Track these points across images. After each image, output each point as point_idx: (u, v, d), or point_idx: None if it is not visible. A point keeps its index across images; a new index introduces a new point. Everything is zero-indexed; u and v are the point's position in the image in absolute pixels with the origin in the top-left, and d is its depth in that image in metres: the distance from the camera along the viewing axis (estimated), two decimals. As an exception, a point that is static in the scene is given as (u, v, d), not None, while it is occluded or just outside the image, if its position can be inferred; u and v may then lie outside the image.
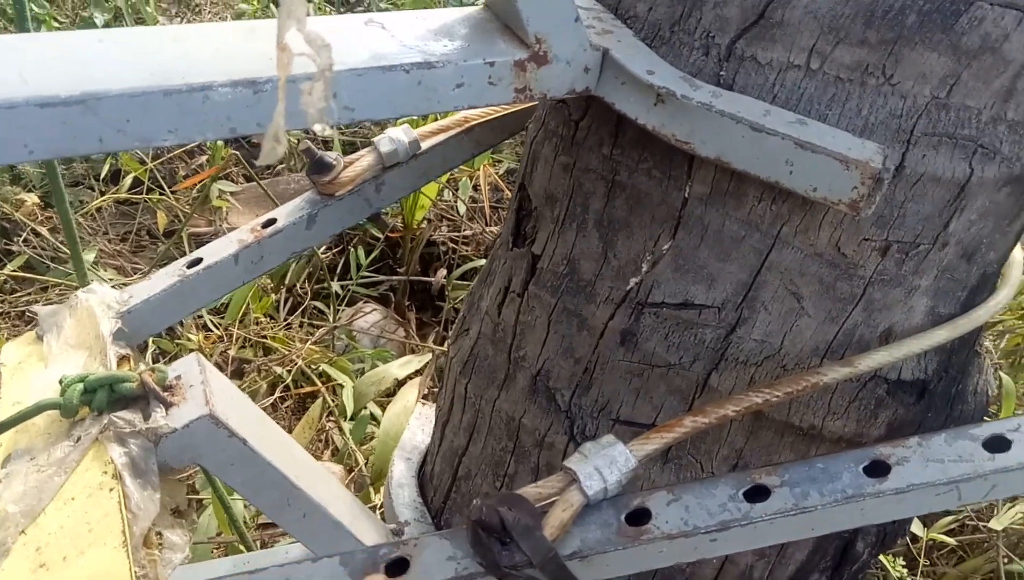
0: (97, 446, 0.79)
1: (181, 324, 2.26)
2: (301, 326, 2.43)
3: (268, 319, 2.39)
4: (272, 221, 1.05)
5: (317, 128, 0.44)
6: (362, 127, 2.93)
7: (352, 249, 2.57)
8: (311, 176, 1.04)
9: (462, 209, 2.68)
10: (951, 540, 1.81)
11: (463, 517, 1.08)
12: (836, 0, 0.71)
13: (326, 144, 2.88)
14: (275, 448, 0.88)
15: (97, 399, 0.81)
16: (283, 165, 2.86)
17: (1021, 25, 0.69)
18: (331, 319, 2.42)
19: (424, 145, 1.09)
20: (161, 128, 0.61)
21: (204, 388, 0.83)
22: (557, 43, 0.73)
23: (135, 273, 2.49)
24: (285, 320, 2.42)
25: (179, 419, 0.80)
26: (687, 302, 0.88)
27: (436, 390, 1.90)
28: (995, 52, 0.70)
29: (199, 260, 1.02)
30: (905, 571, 1.73)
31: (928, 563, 1.81)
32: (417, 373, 2.12)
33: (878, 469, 0.76)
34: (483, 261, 2.23)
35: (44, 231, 2.45)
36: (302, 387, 2.20)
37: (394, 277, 2.63)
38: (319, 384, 2.16)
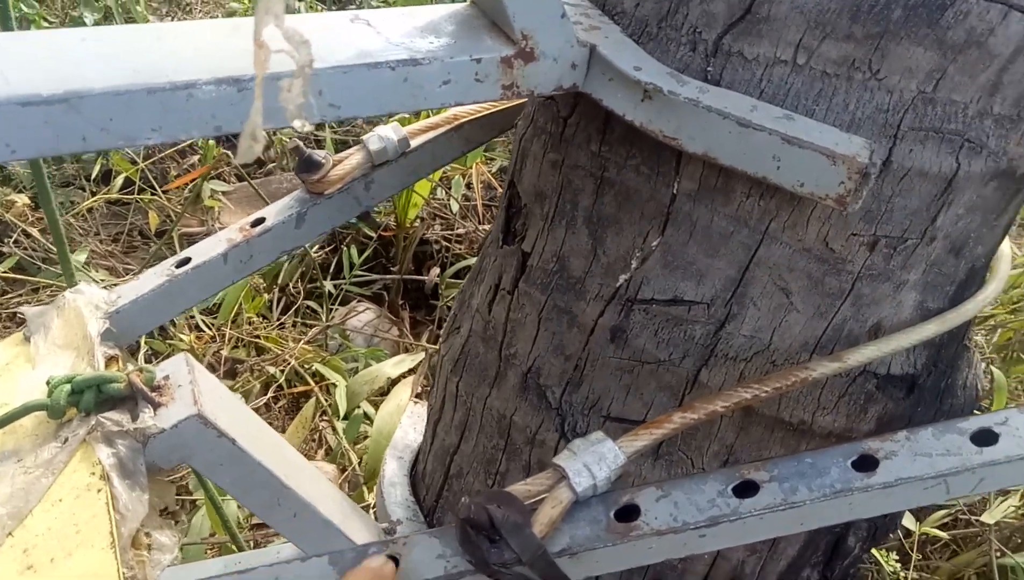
0: (85, 447, 0.79)
1: (174, 324, 2.26)
2: (294, 326, 2.42)
3: (261, 319, 2.39)
4: (261, 220, 1.04)
5: (296, 125, 0.44)
6: (354, 125, 2.93)
7: (345, 248, 2.57)
8: (300, 175, 1.04)
9: (455, 207, 2.67)
10: (944, 534, 1.82)
11: (455, 515, 1.08)
12: (822, -5, 0.71)
13: (318, 143, 2.87)
14: (265, 447, 0.88)
15: (84, 400, 0.80)
16: (274, 164, 2.85)
17: (1006, 19, 0.69)
18: (324, 318, 2.42)
19: (414, 143, 1.09)
20: (145, 126, 0.61)
21: (192, 388, 0.82)
22: (544, 39, 0.72)
23: (127, 274, 2.49)
24: (278, 320, 2.41)
25: (167, 419, 0.80)
26: (676, 298, 0.88)
27: (429, 388, 1.90)
28: (981, 46, 0.70)
29: (188, 260, 1.01)
30: (898, 565, 1.73)
31: (921, 557, 1.81)
32: (411, 372, 2.12)
33: (866, 463, 0.76)
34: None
35: (35, 232, 2.44)
36: (295, 387, 2.19)
37: (387, 276, 2.63)
38: (312, 384, 2.15)
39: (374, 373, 2.09)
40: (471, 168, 2.59)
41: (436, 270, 2.62)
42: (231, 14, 3.28)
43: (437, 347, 2.03)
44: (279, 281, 2.50)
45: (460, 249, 2.65)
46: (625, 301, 0.90)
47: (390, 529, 1.15)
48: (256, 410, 2.12)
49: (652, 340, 0.90)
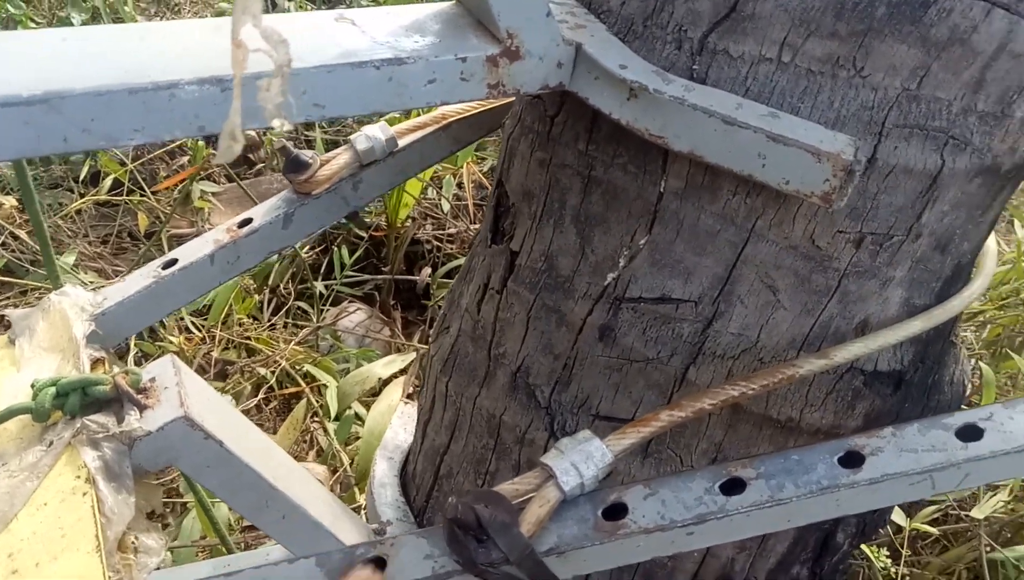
0: (70, 450, 0.78)
1: (163, 326, 2.25)
2: (285, 327, 2.41)
3: (251, 320, 2.38)
4: (248, 221, 1.04)
5: (275, 125, 0.44)
6: (344, 125, 2.92)
7: (336, 248, 2.56)
8: (287, 175, 1.04)
9: (446, 207, 2.67)
10: (934, 530, 1.82)
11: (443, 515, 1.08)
12: (806, -8, 0.71)
13: (308, 143, 2.87)
14: (253, 449, 0.87)
15: (70, 403, 0.80)
16: (264, 164, 2.85)
17: (989, 16, 0.69)
18: (315, 319, 2.41)
19: (402, 142, 1.09)
20: (127, 127, 0.60)
21: (179, 390, 0.82)
22: (529, 38, 0.72)
23: (116, 276, 2.48)
24: (269, 321, 2.40)
25: (153, 422, 0.80)
26: (664, 297, 0.88)
27: (420, 389, 1.90)
28: (964, 43, 0.70)
29: (174, 261, 1.01)
30: (889, 561, 1.73)
31: (911, 553, 1.82)
32: (402, 372, 2.11)
33: (852, 460, 0.77)
34: (466, 259, 2.22)
35: (23, 234, 2.43)
36: (286, 388, 2.19)
37: (379, 276, 2.62)
38: (303, 385, 2.15)
39: (365, 374, 2.09)
40: (462, 167, 2.58)
41: (427, 270, 2.62)
42: (220, 14, 3.27)
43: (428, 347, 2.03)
44: (269, 282, 2.49)
45: (451, 249, 2.65)
46: (613, 300, 0.90)
47: (380, 530, 1.15)
48: (247, 412, 2.11)
49: (640, 338, 0.90)
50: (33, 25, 2.92)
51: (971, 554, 1.77)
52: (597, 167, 0.86)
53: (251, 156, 2.81)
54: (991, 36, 0.70)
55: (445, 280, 2.55)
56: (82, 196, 2.66)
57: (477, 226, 2.59)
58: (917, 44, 0.71)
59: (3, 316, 2.20)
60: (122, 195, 2.62)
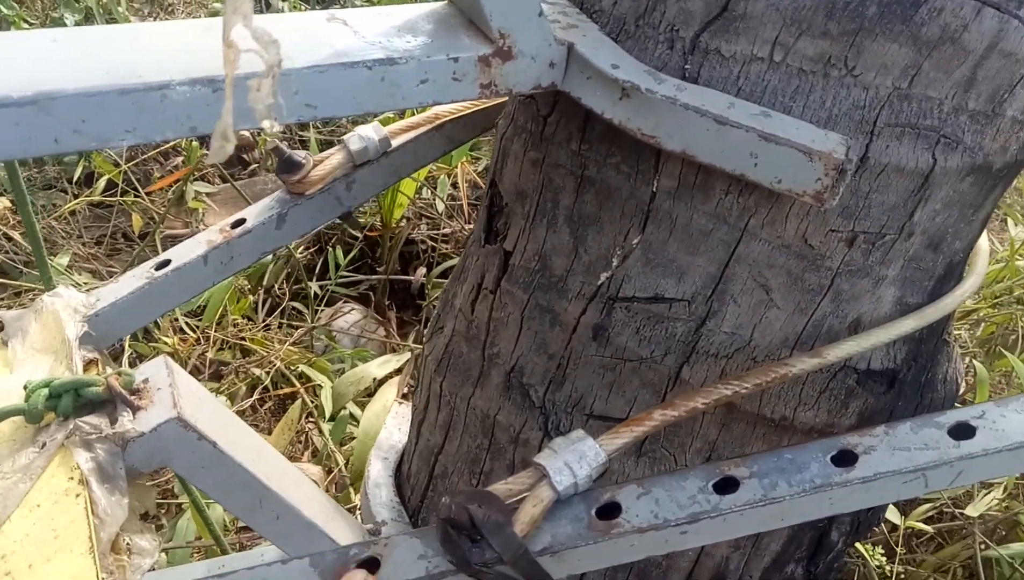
0: (63, 452, 0.78)
1: (158, 327, 2.25)
2: (280, 327, 2.41)
3: (246, 321, 2.38)
4: (241, 221, 1.04)
5: (266, 125, 0.44)
6: (339, 125, 2.92)
7: (330, 249, 2.56)
8: (280, 175, 1.03)
9: (441, 207, 2.67)
10: (928, 528, 1.82)
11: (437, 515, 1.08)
12: (797, -8, 0.71)
13: (303, 143, 2.86)
14: (246, 450, 0.87)
15: (62, 404, 0.79)
16: (258, 165, 2.84)
17: (979, 15, 0.69)
18: (310, 319, 2.41)
19: (395, 142, 1.09)
20: (118, 128, 0.60)
21: (172, 391, 0.82)
22: (521, 38, 0.72)
23: (110, 277, 2.47)
24: (263, 321, 2.40)
25: (147, 423, 0.79)
26: (657, 296, 0.88)
27: (415, 389, 1.90)
28: (955, 42, 0.70)
29: (167, 262, 1.01)
30: (884, 559, 1.73)
31: (906, 551, 1.82)
32: (397, 372, 2.11)
33: (845, 458, 0.77)
34: (461, 259, 2.22)
35: (16, 235, 2.42)
36: (281, 389, 2.19)
37: (373, 276, 2.62)
38: (298, 385, 2.15)
39: (360, 374, 2.09)
40: (456, 167, 2.58)
41: (422, 270, 2.62)
42: (214, 14, 3.27)
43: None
44: (264, 282, 2.49)
45: (446, 249, 2.65)
46: (607, 299, 0.90)
47: (375, 530, 1.15)
48: (242, 412, 2.11)
49: (634, 338, 0.91)
50: (26, 26, 2.92)
51: (966, 552, 1.77)
52: (590, 167, 0.86)
53: (245, 156, 2.81)
54: (982, 35, 0.70)
55: (440, 280, 2.55)
56: (76, 197, 2.66)
57: (472, 226, 2.59)
58: (908, 43, 0.71)
59: (-3, 318, 2.19)
60: (116, 196, 2.62)
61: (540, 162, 0.91)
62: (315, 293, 2.46)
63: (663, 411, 0.79)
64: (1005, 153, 0.80)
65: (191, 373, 1.97)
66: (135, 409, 0.80)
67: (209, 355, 2.23)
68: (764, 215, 0.80)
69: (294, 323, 2.43)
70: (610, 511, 0.76)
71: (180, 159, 2.83)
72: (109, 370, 0.85)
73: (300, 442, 2.09)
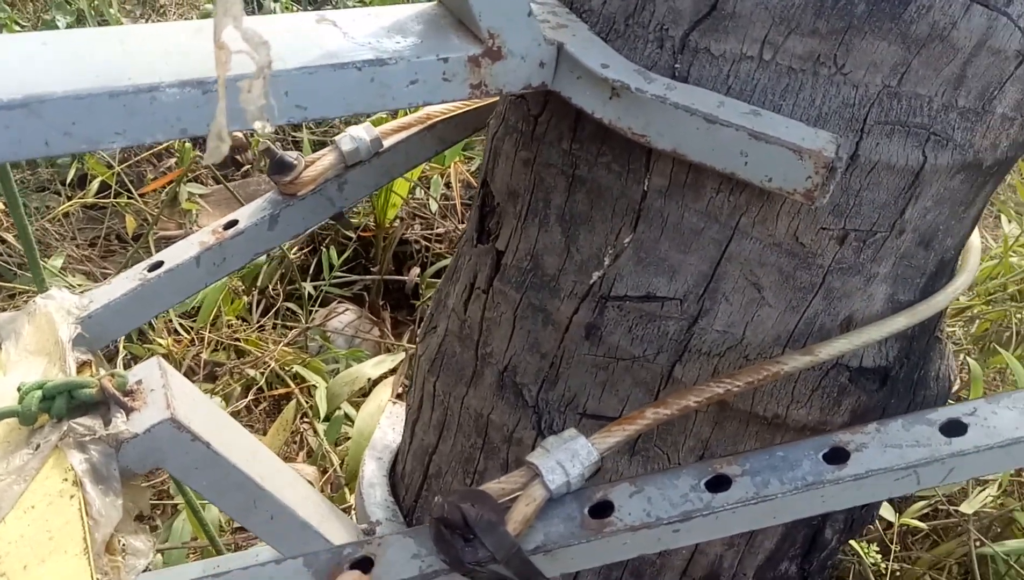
0: (57, 453, 0.78)
1: (152, 329, 2.24)
2: (274, 328, 2.41)
3: (240, 322, 2.38)
4: (234, 222, 1.04)
5: (257, 126, 0.44)
6: (332, 126, 2.92)
7: (324, 249, 2.56)
8: (272, 176, 1.04)
9: (434, 207, 2.67)
10: (923, 525, 1.83)
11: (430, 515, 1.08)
12: (786, -9, 0.71)
13: (296, 144, 2.86)
14: (240, 450, 0.87)
15: (56, 406, 0.80)
16: (251, 166, 2.84)
17: (968, 13, 0.69)
18: (304, 320, 2.41)
19: (387, 143, 1.09)
20: (108, 130, 0.60)
21: (165, 392, 0.82)
22: (511, 38, 0.73)
23: (104, 278, 2.47)
24: (258, 322, 2.40)
25: (140, 424, 0.80)
26: (649, 295, 0.88)
27: (409, 389, 1.90)
28: (944, 40, 0.71)
29: (160, 263, 1.01)
30: (879, 557, 1.74)
31: (901, 548, 1.82)
32: (391, 372, 2.11)
33: (837, 456, 0.77)
34: (455, 258, 2.22)
35: (10, 237, 2.42)
36: (276, 389, 2.19)
37: (368, 277, 2.62)
38: (293, 386, 2.15)
39: (354, 374, 2.09)
40: (450, 167, 2.58)
41: (416, 270, 2.62)
42: (205, 15, 3.26)
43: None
44: (258, 283, 2.48)
45: (440, 249, 2.65)
46: (599, 298, 0.90)
47: (369, 530, 1.15)
48: (236, 413, 2.11)
49: (626, 337, 0.91)
50: (18, 28, 2.91)
51: (961, 549, 1.77)
52: (581, 166, 0.86)
53: (238, 158, 2.81)
54: (970, 32, 0.71)
55: (434, 280, 2.55)
56: (69, 199, 2.65)
57: (465, 226, 2.59)
58: (897, 41, 0.71)
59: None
60: (109, 198, 2.61)
61: (531, 162, 0.91)
62: (309, 294, 2.46)
63: (655, 410, 0.79)
64: (995, 150, 0.81)
65: (186, 374, 1.97)
66: (128, 410, 0.80)
67: (204, 356, 2.23)
68: (755, 213, 0.81)
69: (288, 324, 2.43)
70: (603, 510, 0.76)
71: (173, 161, 2.83)
72: (102, 372, 0.85)
73: (295, 442, 2.09)
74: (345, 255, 2.57)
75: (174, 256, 1.01)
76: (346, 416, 2.05)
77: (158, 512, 1.93)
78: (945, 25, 0.70)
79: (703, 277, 0.85)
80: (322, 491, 1.87)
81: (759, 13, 0.72)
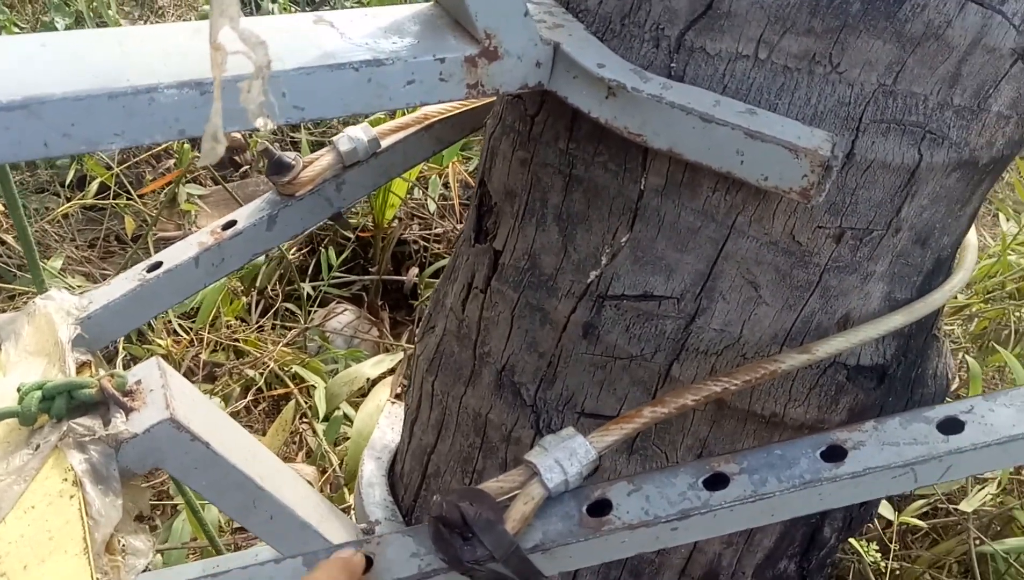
0: (57, 453, 0.79)
1: (152, 329, 2.25)
2: (273, 328, 2.41)
3: (239, 322, 2.38)
4: (232, 223, 1.04)
5: (259, 124, 0.44)
6: (330, 126, 2.92)
7: (323, 249, 2.56)
8: (270, 177, 1.04)
9: (432, 207, 2.67)
10: (923, 524, 1.83)
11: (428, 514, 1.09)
12: (782, -10, 0.72)
13: (294, 144, 2.86)
14: (239, 450, 0.88)
15: (56, 406, 0.80)
16: (249, 167, 2.84)
17: (963, 11, 0.70)
18: (303, 320, 2.41)
19: (384, 143, 1.09)
20: (107, 131, 0.61)
21: (165, 392, 0.82)
22: (507, 38, 0.73)
23: (104, 279, 2.47)
24: (257, 323, 2.40)
25: (140, 424, 0.80)
26: (647, 294, 0.88)
27: (407, 388, 1.90)
28: (939, 38, 0.71)
29: (159, 264, 1.01)
30: (878, 555, 1.74)
31: (901, 547, 1.83)
32: (390, 372, 2.11)
33: (835, 454, 0.77)
34: (454, 258, 2.22)
35: (9, 239, 2.42)
36: (275, 389, 2.19)
37: (366, 277, 2.62)
38: (292, 386, 2.15)
39: (353, 374, 2.09)
40: (447, 167, 2.58)
41: (415, 270, 2.62)
42: (204, 17, 3.26)
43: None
44: (257, 284, 2.49)
45: (438, 249, 2.65)
46: (596, 297, 0.91)
47: (368, 529, 1.15)
48: (236, 414, 2.11)
49: (624, 336, 0.91)
50: (16, 30, 2.91)
51: (960, 547, 1.78)
52: (578, 165, 0.86)
53: (237, 158, 2.81)
54: (965, 30, 0.71)
55: (432, 280, 2.56)
56: (68, 200, 2.65)
57: (463, 226, 2.59)
58: (892, 39, 0.71)
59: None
60: (108, 199, 2.62)
61: (528, 161, 0.91)
62: (308, 294, 2.46)
63: (653, 408, 0.79)
64: (991, 148, 0.81)
65: (185, 375, 1.97)
66: (128, 410, 0.81)
67: (203, 357, 2.23)
68: (751, 212, 0.81)
69: (287, 324, 2.44)
70: (601, 508, 0.76)
71: (172, 162, 2.83)
72: (102, 372, 0.85)
73: (294, 443, 2.10)
74: (344, 255, 2.57)
75: (173, 257, 1.02)
76: (345, 416, 2.05)
77: (158, 512, 1.93)
78: (940, 24, 0.70)
79: (700, 276, 0.86)
80: (321, 491, 1.87)
81: (754, 12, 0.72)
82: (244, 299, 2.41)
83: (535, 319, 0.96)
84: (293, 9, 3.39)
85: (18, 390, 0.82)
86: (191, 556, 1.76)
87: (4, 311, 2.31)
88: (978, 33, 0.71)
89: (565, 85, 0.76)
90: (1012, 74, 0.75)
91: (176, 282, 1.01)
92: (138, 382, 0.84)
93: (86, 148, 0.61)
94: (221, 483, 0.86)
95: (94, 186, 2.61)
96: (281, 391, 2.17)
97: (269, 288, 2.50)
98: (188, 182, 2.67)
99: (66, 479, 0.77)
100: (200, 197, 2.64)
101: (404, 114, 1.14)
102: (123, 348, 2.11)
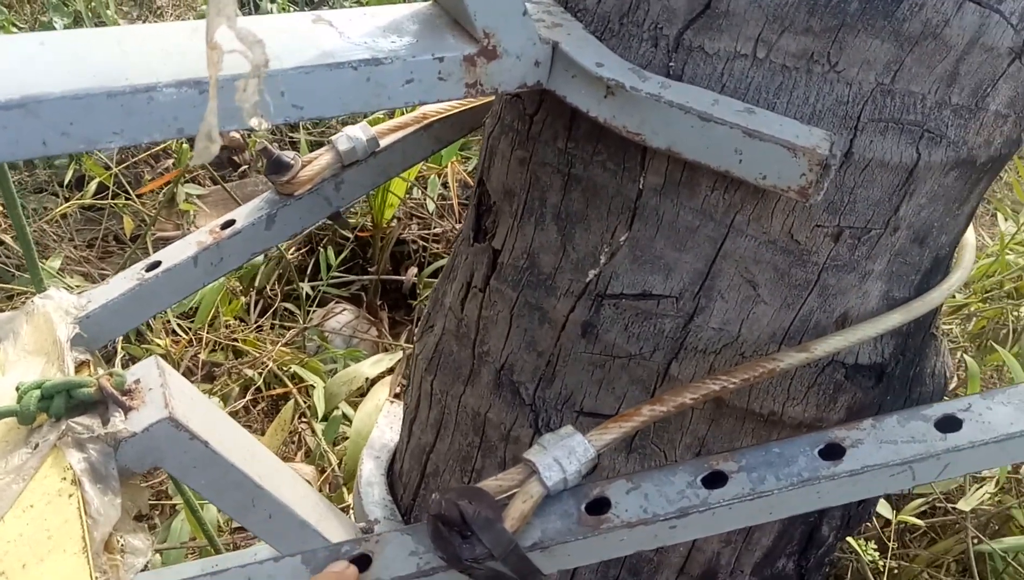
0: (56, 452, 0.79)
1: (151, 329, 2.25)
2: (272, 328, 2.41)
3: (238, 322, 2.38)
4: (231, 222, 1.04)
5: (254, 124, 0.44)
6: (329, 126, 2.92)
7: (322, 249, 2.56)
8: (269, 176, 1.04)
9: (431, 207, 2.67)
10: (921, 522, 1.83)
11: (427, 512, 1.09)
12: (780, -11, 0.72)
13: (293, 144, 2.86)
14: (238, 449, 0.88)
15: (54, 405, 0.80)
16: (248, 166, 2.84)
17: (961, 10, 0.70)
18: (302, 320, 2.41)
19: (383, 142, 1.09)
20: (106, 130, 0.61)
21: (163, 391, 0.82)
22: (506, 37, 0.73)
23: (102, 279, 2.47)
24: (255, 322, 2.40)
25: (138, 423, 0.80)
26: (645, 293, 0.88)
27: (407, 388, 1.90)
28: (936, 37, 0.71)
29: (158, 263, 1.01)
30: (877, 555, 1.74)
31: (899, 546, 1.83)
32: (389, 371, 2.11)
33: (833, 452, 0.77)
34: (452, 258, 2.22)
35: (8, 239, 2.42)
36: (274, 389, 2.19)
37: (365, 276, 2.63)
38: (291, 386, 2.15)
39: (352, 374, 2.09)
40: (446, 167, 2.58)
41: (414, 270, 2.62)
42: (202, 17, 3.26)
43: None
44: (256, 284, 2.49)
45: (437, 248, 2.65)
46: (595, 296, 0.91)
47: (367, 529, 1.15)
48: (235, 413, 2.11)
49: (623, 334, 0.91)
50: (15, 30, 2.91)
51: (959, 546, 1.78)
52: (577, 165, 0.86)
53: (235, 158, 2.81)
54: (963, 30, 0.71)
55: (431, 279, 2.56)
56: (67, 200, 2.65)
57: (462, 225, 2.59)
58: (890, 39, 0.71)
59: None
60: (107, 199, 2.62)
61: (527, 160, 0.91)
62: (307, 294, 2.46)
63: (652, 407, 0.79)
64: (989, 147, 0.81)
65: (184, 375, 1.97)
66: (127, 409, 0.81)
67: (202, 357, 2.23)
68: (750, 211, 0.81)
69: (286, 324, 2.44)
70: (599, 506, 0.76)
71: (171, 161, 2.83)
72: (101, 371, 0.85)
73: (293, 442, 2.10)
74: (342, 255, 2.57)
75: (172, 256, 1.02)
76: (344, 416, 2.05)
77: (157, 512, 1.93)
78: (938, 23, 0.70)
79: (699, 275, 0.86)
80: (320, 490, 1.87)
81: (753, 11, 0.72)
82: (243, 299, 2.41)
83: (534, 318, 0.96)
84: (291, 9, 3.39)
85: (17, 389, 0.82)
86: (190, 556, 1.76)
87: (3, 310, 2.31)
88: (976, 32, 0.71)
89: (564, 84, 0.77)
90: (1010, 73, 0.75)
91: (175, 281, 1.01)
92: (137, 381, 0.84)
93: (85, 147, 0.61)
94: (220, 482, 0.86)
95: (92, 186, 2.61)
96: (280, 391, 2.17)
97: (268, 288, 2.50)
98: (187, 182, 2.67)
99: (65, 478, 0.77)
100: (199, 197, 2.64)
101: (403, 113, 1.14)
102: (121, 348, 2.11)
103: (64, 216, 2.66)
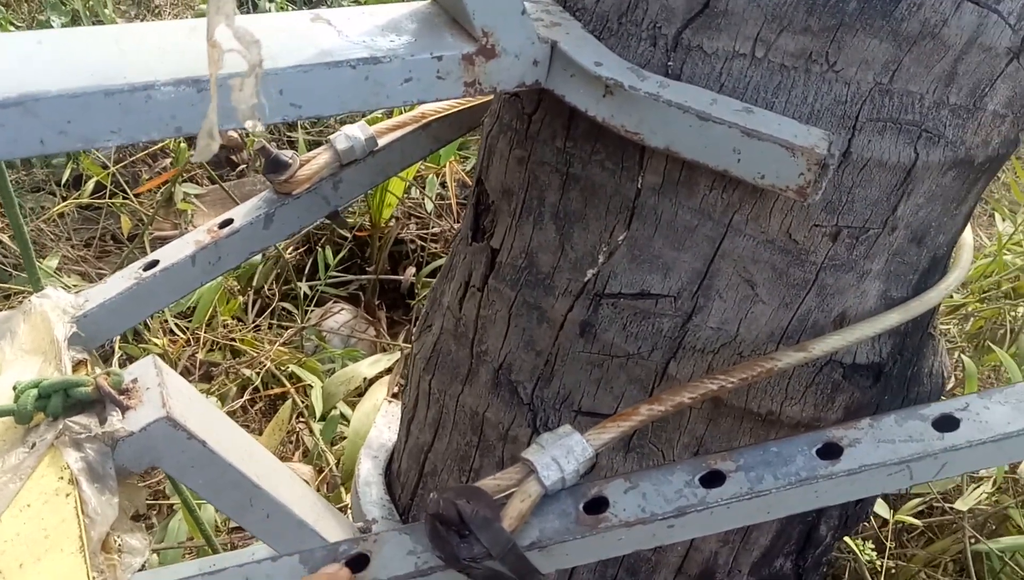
0: (53, 452, 0.78)
1: (148, 329, 2.24)
2: (270, 328, 2.41)
3: (236, 321, 2.38)
4: (229, 221, 1.04)
5: (248, 125, 0.44)
6: (327, 125, 2.92)
7: (320, 249, 2.56)
8: (267, 175, 1.04)
9: (429, 206, 2.67)
10: (918, 522, 1.83)
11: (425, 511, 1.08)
12: (779, -12, 0.72)
13: (291, 143, 2.86)
14: (236, 449, 0.87)
15: (52, 404, 0.80)
16: (246, 165, 2.84)
17: (959, 10, 0.70)
18: (299, 320, 2.41)
19: (382, 141, 1.09)
20: (104, 128, 0.61)
21: (161, 390, 0.82)
22: (504, 36, 0.73)
23: (100, 279, 2.46)
24: (253, 322, 2.40)
25: (136, 422, 0.80)
26: (644, 292, 0.88)
27: (405, 387, 1.90)
28: (935, 37, 0.71)
29: (155, 262, 1.01)
30: (874, 554, 1.74)
31: (896, 545, 1.83)
32: (387, 371, 2.11)
33: (831, 451, 0.77)
34: (450, 258, 2.21)
35: (5, 238, 2.42)
36: (272, 389, 2.19)
37: (363, 276, 2.62)
38: (288, 385, 2.15)
39: (350, 373, 2.09)
40: (445, 166, 2.58)
41: (412, 269, 2.62)
42: (200, 15, 3.26)
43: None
44: (254, 283, 2.49)
45: (435, 248, 2.65)
46: (593, 296, 0.91)
47: (365, 528, 1.15)
48: (232, 413, 2.11)
49: (621, 334, 0.91)
50: (12, 29, 2.91)
51: (956, 546, 1.78)
52: (575, 164, 0.86)
53: (234, 157, 2.81)
54: (961, 30, 0.71)
55: (429, 279, 2.56)
56: (64, 199, 2.65)
57: (460, 225, 2.58)
58: (888, 38, 0.71)
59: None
60: (105, 198, 2.61)
61: (526, 160, 0.91)
62: (305, 293, 2.46)
63: (650, 406, 0.79)
64: (987, 147, 0.81)
65: (181, 374, 1.97)
66: (124, 409, 0.81)
67: (199, 356, 2.23)
68: (748, 211, 0.81)
69: (284, 324, 2.44)
70: (597, 506, 0.76)
71: (168, 161, 2.83)
72: (98, 370, 0.85)
73: (291, 442, 2.09)
74: (341, 255, 2.57)
75: (169, 255, 1.02)
76: (342, 415, 2.05)
77: (154, 512, 1.93)
78: (936, 22, 0.70)
79: (697, 274, 0.86)
80: (318, 490, 1.87)
81: (751, 11, 0.72)
82: (241, 298, 2.41)
83: (532, 317, 0.96)
84: (290, 7, 3.39)
85: (14, 388, 0.82)
86: (187, 555, 1.75)
87: (0, 310, 2.31)
88: (974, 32, 0.71)
89: (562, 83, 0.77)
90: (1008, 73, 0.75)
91: (172, 281, 1.01)
92: (134, 380, 0.84)
93: (83, 145, 0.61)
94: (218, 482, 0.86)
95: (90, 185, 2.61)
96: (278, 390, 2.17)
97: (266, 287, 2.50)
98: (184, 181, 2.67)
99: (62, 477, 0.77)
100: (197, 196, 2.64)
101: (401, 112, 1.14)
102: (119, 347, 2.11)
103: (61, 215, 2.66)
